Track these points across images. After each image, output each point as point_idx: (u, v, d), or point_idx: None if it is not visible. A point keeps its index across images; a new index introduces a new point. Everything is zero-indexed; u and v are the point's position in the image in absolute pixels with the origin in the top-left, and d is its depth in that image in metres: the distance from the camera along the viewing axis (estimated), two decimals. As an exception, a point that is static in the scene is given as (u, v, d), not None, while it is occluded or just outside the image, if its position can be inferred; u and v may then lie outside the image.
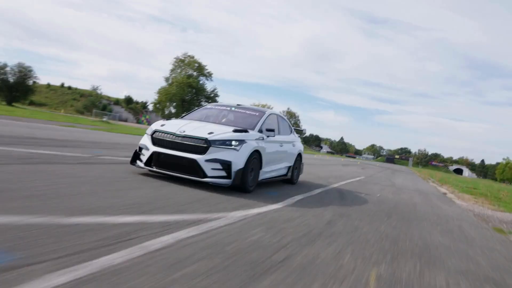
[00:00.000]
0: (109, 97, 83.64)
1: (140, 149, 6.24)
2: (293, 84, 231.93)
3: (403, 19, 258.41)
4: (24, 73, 54.26)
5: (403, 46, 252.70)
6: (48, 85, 79.22)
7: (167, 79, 55.02)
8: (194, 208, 4.35)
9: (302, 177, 9.91)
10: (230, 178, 5.73)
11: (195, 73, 55.30)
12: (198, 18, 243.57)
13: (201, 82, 55.28)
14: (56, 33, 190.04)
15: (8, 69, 53.51)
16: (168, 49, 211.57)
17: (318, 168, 17.96)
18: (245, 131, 6.25)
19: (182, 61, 55.34)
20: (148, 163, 6.04)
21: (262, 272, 2.67)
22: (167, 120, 6.77)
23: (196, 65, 55.11)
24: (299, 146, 9.02)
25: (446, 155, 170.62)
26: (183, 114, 7.66)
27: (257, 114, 7.31)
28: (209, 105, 7.92)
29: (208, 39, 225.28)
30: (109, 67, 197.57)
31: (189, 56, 55.38)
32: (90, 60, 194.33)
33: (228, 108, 7.64)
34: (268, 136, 6.86)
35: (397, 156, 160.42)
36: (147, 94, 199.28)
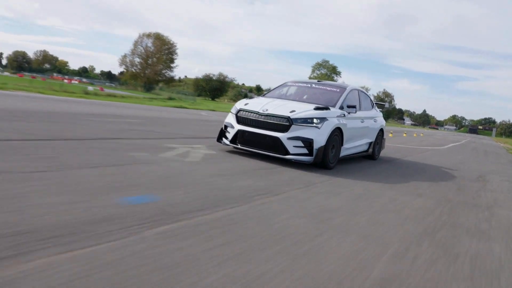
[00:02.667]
0: (243, 86, 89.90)
1: (226, 127, 6.61)
2: (364, 52, 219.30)
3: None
4: (222, 78, 79.42)
5: (490, 3, 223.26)
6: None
7: (309, 78, 64.75)
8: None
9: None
10: (311, 156, 5.86)
11: (328, 72, 79.20)
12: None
13: (334, 78, 77.24)
14: (132, 14, 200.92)
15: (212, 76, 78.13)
16: (236, 23, 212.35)
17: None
18: (326, 108, 6.29)
19: (320, 64, 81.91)
20: (233, 140, 6.40)
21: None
22: (250, 98, 7.03)
23: (330, 67, 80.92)
24: (381, 121, 8.79)
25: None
26: (265, 92, 7.85)
27: (338, 90, 7.26)
28: (289, 82, 8.01)
29: (276, 10, 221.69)
30: (180, 45, 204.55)
31: (324, 60, 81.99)
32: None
33: (309, 85, 7.67)
34: (349, 113, 6.82)
35: (480, 127, 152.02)
36: (217, 70, 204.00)
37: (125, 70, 74.28)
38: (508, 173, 9.97)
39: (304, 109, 6.16)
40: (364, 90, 8.55)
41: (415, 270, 2.50)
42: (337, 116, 6.39)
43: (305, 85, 7.74)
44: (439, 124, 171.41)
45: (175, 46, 73.03)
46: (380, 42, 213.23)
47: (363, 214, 3.76)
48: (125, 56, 71.29)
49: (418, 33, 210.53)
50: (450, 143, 22.65)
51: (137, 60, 71.48)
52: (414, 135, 30.51)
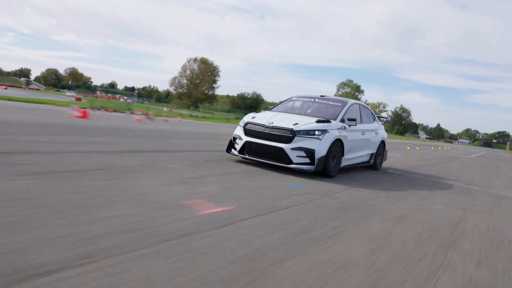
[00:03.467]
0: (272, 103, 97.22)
1: (234, 139, 7.14)
2: (375, 65, 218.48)
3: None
4: (256, 96, 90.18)
5: (501, 16, 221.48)
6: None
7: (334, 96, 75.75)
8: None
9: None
10: (313, 165, 6.34)
11: (352, 91, 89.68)
12: (276, 4, 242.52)
13: (358, 96, 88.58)
14: (145, 30, 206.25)
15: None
16: (247, 37, 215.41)
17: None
18: (328, 121, 6.79)
19: (344, 83, 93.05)
20: (241, 151, 6.92)
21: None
22: (257, 112, 7.57)
23: (354, 86, 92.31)
24: (382, 133, 9.24)
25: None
26: (271, 106, 8.39)
27: (339, 104, 7.75)
28: (294, 97, 8.54)
29: (286, 24, 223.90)
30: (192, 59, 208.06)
31: (349, 80, 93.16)
32: (174, 52, 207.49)
33: (313, 100, 8.18)
34: (350, 125, 7.30)
35: (494, 141, 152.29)
36: (227, 84, 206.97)
37: (174, 90, 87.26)
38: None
39: (307, 122, 6.66)
40: (365, 104, 9.04)
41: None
42: (338, 129, 6.88)
43: (309, 99, 8.25)
44: (452, 138, 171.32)
45: (218, 69, 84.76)
46: (391, 56, 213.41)
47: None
48: (175, 78, 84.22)
49: (429, 46, 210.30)
50: (474, 154, 33.60)
51: (184, 81, 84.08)
52: (445, 148, 42.34)
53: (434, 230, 4.00)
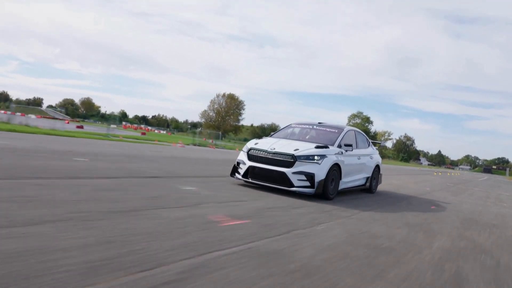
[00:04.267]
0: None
1: (238, 163, 7.57)
2: (374, 92, 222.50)
3: (494, 14, 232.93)
4: (275, 126, 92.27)
5: (496, 45, 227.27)
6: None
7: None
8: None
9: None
10: (313, 188, 6.76)
11: (362, 122, 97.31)
12: (275, 33, 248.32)
13: (367, 126, 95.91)
14: (146, 59, 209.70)
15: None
16: (246, 65, 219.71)
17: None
18: (326, 147, 7.26)
19: (355, 115, 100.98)
20: (245, 175, 7.34)
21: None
22: (259, 139, 8.02)
23: (363, 117, 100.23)
24: (377, 158, 9.73)
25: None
26: (272, 133, 8.86)
27: (336, 131, 8.25)
28: (293, 124, 9.04)
29: (286, 53, 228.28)
30: (192, 87, 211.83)
31: (359, 112, 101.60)
32: (175, 81, 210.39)
33: (311, 126, 8.67)
34: (346, 151, 7.77)
35: (494, 167, 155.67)
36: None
37: (204, 121, 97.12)
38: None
39: (306, 148, 7.13)
40: (360, 131, 9.56)
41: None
42: (335, 154, 7.34)
43: (307, 126, 8.75)
44: (453, 164, 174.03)
45: (243, 103, 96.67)
46: (389, 83, 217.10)
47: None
48: (205, 111, 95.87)
49: (427, 74, 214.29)
50: (481, 178, 44.53)
51: (212, 114, 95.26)
52: (457, 174, 53.94)
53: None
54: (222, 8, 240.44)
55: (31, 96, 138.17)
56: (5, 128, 16.72)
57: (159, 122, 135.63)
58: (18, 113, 46.94)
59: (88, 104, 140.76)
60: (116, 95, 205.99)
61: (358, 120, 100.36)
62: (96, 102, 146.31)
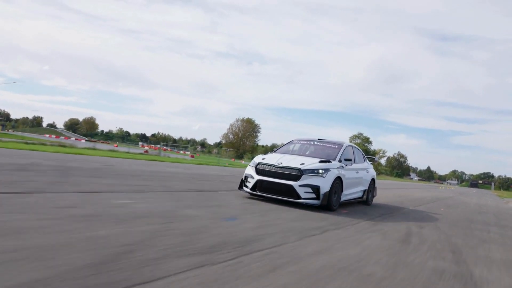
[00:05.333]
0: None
1: (246, 178, 8.03)
2: (361, 109, 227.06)
3: (477, 33, 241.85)
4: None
5: (478, 62, 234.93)
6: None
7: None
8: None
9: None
10: (319, 199, 7.27)
11: (362, 142, 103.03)
12: (263, 50, 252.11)
13: (367, 146, 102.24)
14: (135, 75, 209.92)
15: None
16: (234, 82, 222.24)
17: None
18: (329, 161, 7.80)
19: (356, 136, 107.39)
20: (253, 188, 7.79)
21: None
22: (265, 154, 8.50)
23: (363, 137, 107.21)
24: (372, 172, 10.32)
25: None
26: (275, 149, 9.36)
27: (336, 146, 8.81)
28: (295, 140, 9.59)
29: (273, 69, 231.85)
30: (181, 103, 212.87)
31: (360, 133, 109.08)
32: (164, 97, 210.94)
33: (312, 142, 9.22)
34: (346, 165, 8.33)
35: (480, 181, 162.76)
36: (215, 126, 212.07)
37: (224, 142, 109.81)
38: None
39: (311, 162, 7.65)
40: (357, 146, 10.18)
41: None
42: (337, 168, 7.89)
43: (308, 142, 9.29)
44: (441, 179, 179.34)
45: (259, 126, 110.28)
46: (376, 99, 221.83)
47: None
48: (226, 134, 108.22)
49: (413, 90, 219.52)
50: (472, 191, 55.74)
51: (231, 136, 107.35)
52: (452, 187, 65.67)
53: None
54: (211, 26, 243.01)
55: (17, 113, 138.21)
56: (108, 155, 19.04)
57: (158, 140, 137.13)
58: (62, 137, 47.83)
59: (91, 123, 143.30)
60: (103, 112, 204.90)
61: (358, 140, 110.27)
62: (81, 118, 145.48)
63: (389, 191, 20.09)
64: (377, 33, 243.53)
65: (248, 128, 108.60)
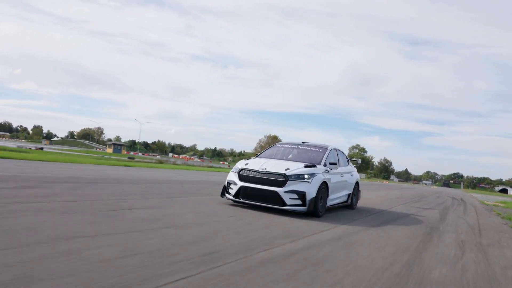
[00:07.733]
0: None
1: (229, 184, 7.66)
2: (336, 111, 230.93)
3: (445, 38, 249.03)
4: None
5: (447, 66, 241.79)
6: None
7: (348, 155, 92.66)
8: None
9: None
10: (305, 206, 6.98)
11: (359, 152, 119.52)
12: (239, 54, 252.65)
13: (364, 155, 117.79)
14: (108, 78, 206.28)
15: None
16: (210, 85, 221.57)
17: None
18: (314, 166, 7.54)
19: (354, 146, 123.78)
20: (236, 195, 7.44)
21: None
22: (247, 159, 8.16)
23: (360, 148, 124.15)
24: (356, 175, 10.15)
25: (503, 174, 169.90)
26: (258, 153, 9.04)
27: (320, 150, 8.56)
28: (278, 144, 9.30)
29: (249, 73, 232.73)
30: (155, 106, 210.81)
31: (357, 144, 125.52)
32: (138, 100, 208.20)
33: (296, 146, 8.93)
34: (331, 169, 8.09)
35: (451, 181, 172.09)
36: (191, 130, 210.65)
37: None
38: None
39: (296, 167, 7.35)
40: (340, 149, 9.97)
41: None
42: (323, 172, 7.63)
43: (292, 146, 9.00)
44: (417, 179, 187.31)
45: (282, 141, 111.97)
46: (350, 102, 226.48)
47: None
48: (256, 148, 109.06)
49: (385, 92, 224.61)
50: (445, 190, 56.90)
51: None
52: (434, 187, 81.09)
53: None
54: (185, 29, 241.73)
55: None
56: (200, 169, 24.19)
57: (159, 148, 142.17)
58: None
59: (89, 132, 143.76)
60: (75, 116, 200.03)
61: (356, 151, 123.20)
62: (52, 123, 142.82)
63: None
64: (351, 37, 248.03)
65: (274, 143, 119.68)
